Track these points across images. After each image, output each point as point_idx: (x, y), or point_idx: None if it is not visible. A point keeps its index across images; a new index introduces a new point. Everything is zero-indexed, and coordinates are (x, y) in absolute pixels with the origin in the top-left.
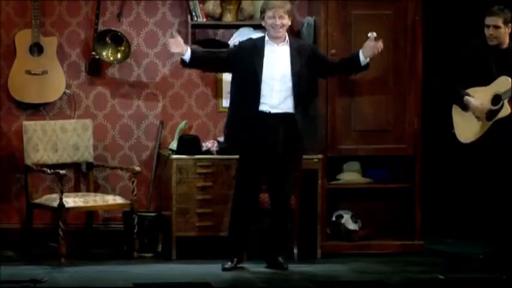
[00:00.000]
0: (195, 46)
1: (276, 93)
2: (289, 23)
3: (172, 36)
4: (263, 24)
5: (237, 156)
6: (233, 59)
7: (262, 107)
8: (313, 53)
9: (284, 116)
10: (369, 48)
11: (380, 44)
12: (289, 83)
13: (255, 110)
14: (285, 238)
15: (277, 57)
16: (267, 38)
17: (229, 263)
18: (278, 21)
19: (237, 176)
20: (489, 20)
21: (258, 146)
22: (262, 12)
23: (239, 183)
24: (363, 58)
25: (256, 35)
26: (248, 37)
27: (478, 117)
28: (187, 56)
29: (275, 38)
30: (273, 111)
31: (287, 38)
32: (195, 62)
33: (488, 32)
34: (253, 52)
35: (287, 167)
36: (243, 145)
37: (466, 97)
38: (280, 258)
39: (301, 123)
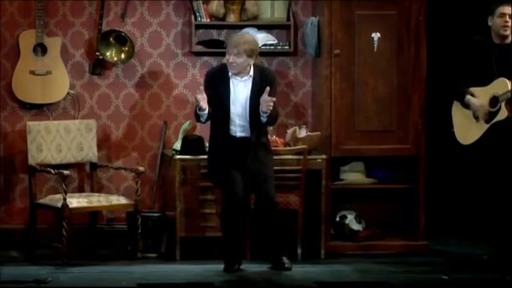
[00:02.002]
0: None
1: (238, 127)
2: (250, 61)
3: (200, 93)
4: None
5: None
6: (211, 93)
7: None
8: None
9: (245, 139)
10: (261, 104)
11: (268, 102)
12: (247, 119)
13: (227, 139)
14: (285, 238)
15: (238, 94)
16: (230, 72)
17: (231, 265)
18: (231, 59)
19: (222, 188)
20: (506, 9)
21: (233, 167)
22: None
23: (226, 192)
24: (261, 113)
25: (260, 35)
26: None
27: (477, 118)
28: (205, 113)
29: (234, 74)
30: (238, 137)
31: (251, 72)
32: (208, 118)
33: (502, 21)
34: (221, 86)
35: (265, 179)
36: (222, 170)
37: (468, 96)
38: (284, 258)
39: (259, 144)
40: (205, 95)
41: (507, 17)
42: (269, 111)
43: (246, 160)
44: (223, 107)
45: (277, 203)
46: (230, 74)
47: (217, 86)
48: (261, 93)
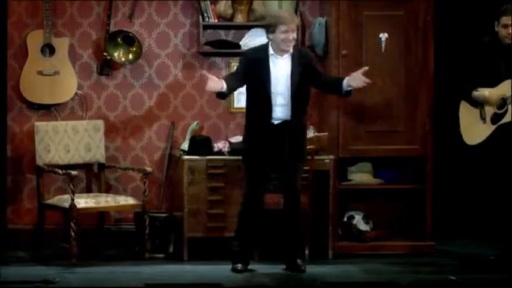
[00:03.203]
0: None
1: (279, 107)
2: None
3: (207, 78)
4: (270, 37)
5: (244, 163)
6: (245, 72)
7: (272, 120)
8: (310, 64)
9: (284, 124)
10: (357, 79)
11: (367, 80)
12: (288, 97)
13: (267, 123)
14: (301, 239)
15: (279, 72)
16: (271, 51)
17: (240, 265)
18: (291, 36)
19: (247, 183)
20: (507, 20)
21: (268, 154)
22: (273, 26)
23: (249, 190)
24: (345, 86)
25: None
26: (254, 37)
27: (484, 119)
28: (224, 89)
29: (282, 51)
30: (275, 122)
31: (290, 49)
32: (229, 92)
33: (506, 31)
34: (259, 66)
35: (296, 170)
36: (257, 156)
37: (475, 92)
38: (298, 260)
39: (299, 129)
40: (212, 76)
41: (509, 28)
42: (361, 87)
43: (283, 151)
44: (263, 86)
45: (300, 197)
46: (271, 53)
47: (256, 66)
48: (302, 70)
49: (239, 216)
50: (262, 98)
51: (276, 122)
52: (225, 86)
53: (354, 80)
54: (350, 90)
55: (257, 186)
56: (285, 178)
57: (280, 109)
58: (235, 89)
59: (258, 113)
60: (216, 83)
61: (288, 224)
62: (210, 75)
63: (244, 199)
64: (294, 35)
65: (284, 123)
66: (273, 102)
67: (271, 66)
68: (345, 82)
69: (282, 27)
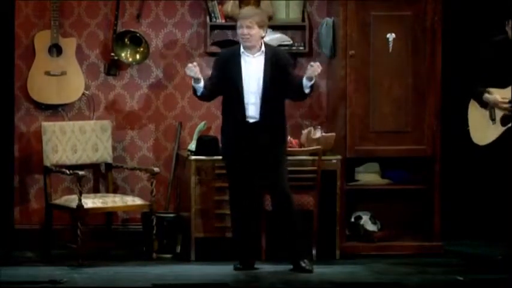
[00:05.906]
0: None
1: (252, 105)
2: (262, 34)
3: (193, 65)
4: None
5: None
6: (218, 73)
7: (246, 118)
8: (284, 67)
9: (258, 123)
10: (310, 69)
11: (318, 64)
12: (261, 95)
13: (241, 122)
14: (302, 240)
15: (251, 70)
16: (242, 49)
17: (239, 264)
18: (245, 31)
19: (228, 183)
20: None
21: (244, 153)
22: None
23: (232, 192)
24: (306, 82)
25: (274, 36)
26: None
27: (494, 120)
28: (200, 86)
29: (247, 48)
30: (251, 120)
31: (263, 48)
32: (206, 92)
33: None
34: (231, 65)
35: (277, 169)
36: (233, 155)
37: (486, 95)
38: (302, 262)
39: (272, 129)
40: (196, 64)
41: None
42: (314, 78)
43: (257, 149)
44: (235, 85)
45: (290, 196)
46: (241, 51)
47: (228, 65)
48: (276, 71)
49: (230, 217)
50: (236, 97)
51: (250, 121)
52: (202, 83)
53: (309, 70)
54: (312, 85)
55: (239, 185)
56: (269, 178)
57: (254, 108)
58: (211, 91)
59: (232, 112)
60: (196, 73)
61: (281, 225)
62: (196, 67)
63: (229, 199)
64: (251, 31)
65: (258, 122)
66: (246, 100)
67: (242, 64)
68: (305, 79)
69: (238, 23)
